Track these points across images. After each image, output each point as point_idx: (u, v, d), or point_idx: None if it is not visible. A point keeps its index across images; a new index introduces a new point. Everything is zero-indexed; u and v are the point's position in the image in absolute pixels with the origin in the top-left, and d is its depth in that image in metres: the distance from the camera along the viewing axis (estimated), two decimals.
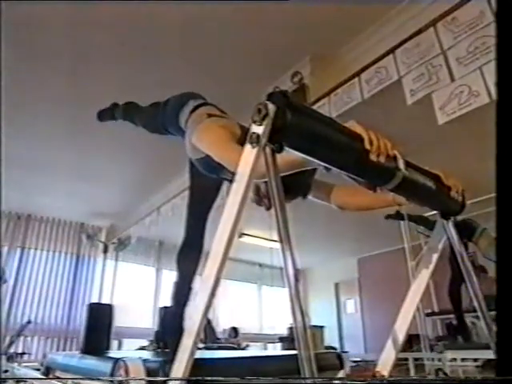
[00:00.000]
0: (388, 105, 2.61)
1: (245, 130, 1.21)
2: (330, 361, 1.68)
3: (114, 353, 1.70)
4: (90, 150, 4.06)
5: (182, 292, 1.64)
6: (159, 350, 1.58)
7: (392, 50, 2.37)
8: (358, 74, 2.52)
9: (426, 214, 3.75)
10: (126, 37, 2.66)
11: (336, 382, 1.25)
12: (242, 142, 1.18)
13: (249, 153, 0.63)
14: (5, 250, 5.41)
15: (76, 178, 4.69)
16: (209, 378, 0.98)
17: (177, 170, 3.79)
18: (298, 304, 0.60)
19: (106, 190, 5.07)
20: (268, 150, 0.63)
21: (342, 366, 1.71)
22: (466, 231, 3.34)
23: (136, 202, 5.28)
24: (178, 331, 1.52)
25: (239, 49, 2.69)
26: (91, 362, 1.39)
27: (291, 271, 0.60)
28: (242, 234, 5.56)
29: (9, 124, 2.77)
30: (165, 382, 1.03)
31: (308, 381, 0.56)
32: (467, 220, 3.37)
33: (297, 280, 0.61)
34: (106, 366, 1.17)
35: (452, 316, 4.16)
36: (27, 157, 4.07)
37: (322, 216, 4.96)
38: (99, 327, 1.79)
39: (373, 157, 0.74)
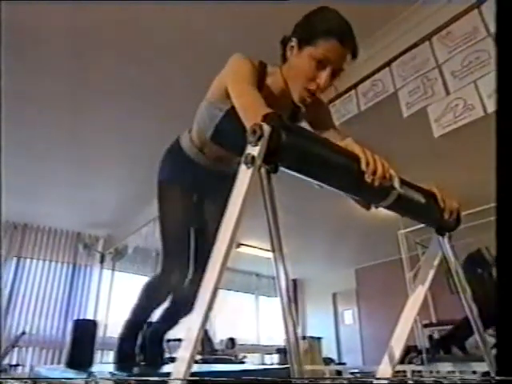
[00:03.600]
0: (384, 117, 2.63)
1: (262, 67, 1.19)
2: None
3: (95, 367, 1.79)
4: (88, 159, 4.07)
5: (135, 326, 1.62)
6: (141, 363, 1.61)
7: (388, 63, 2.41)
8: (354, 86, 2.55)
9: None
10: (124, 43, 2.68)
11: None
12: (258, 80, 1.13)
13: (244, 173, 0.64)
14: (1, 259, 5.37)
15: (74, 188, 4.70)
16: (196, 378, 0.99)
17: None
18: (290, 315, 0.59)
19: (103, 200, 5.07)
20: (263, 170, 0.63)
21: None
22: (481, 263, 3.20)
23: (133, 212, 5.27)
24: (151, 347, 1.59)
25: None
26: (69, 375, 1.51)
27: (283, 281, 0.60)
28: (239, 245, 5.55)
29: (8, 133, 2.78)
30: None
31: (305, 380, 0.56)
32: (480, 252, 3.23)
33: (289, 290, 0.60)
34: (80, 380, 1.28)
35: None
36: (25, 166, 4.07)
37: (321, 226, 4.98)
38: (83, 342, 1.87)
39: (368, 179, 0.75)
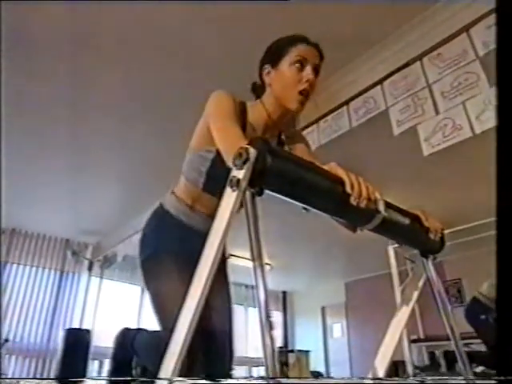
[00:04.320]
0: (375, 134, 2.66)
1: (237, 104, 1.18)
2: None
3: (88, 382, 1.64)
4: (80, 166, 4.05)
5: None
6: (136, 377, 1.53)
7: (380, 81, 2.44)
8: (346, 102, 2.59)
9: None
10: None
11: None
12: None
13: (229, 196, 0.64)
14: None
15: (64, 194, 4.66)
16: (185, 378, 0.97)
17: (165, 189, 3.78)
18: (268, 326, 0.58)
19: (93, 207, 5.03)
20: (248, 193, 0.64)
21: None
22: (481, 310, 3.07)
23: (123, 220, 5.24)
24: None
25: (229, 74, 2.74)
26: None
27: (262, 292, 0.60)
28: (229, 255, 5.53)
29: None
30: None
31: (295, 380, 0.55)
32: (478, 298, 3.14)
33: (267, 300, 0.60)
34: None
35: (442, 343, 4.14)
36: (15, 170, 4.03)
37: (311, 240, 4.98)
38: (76, 353, 1.71)
39: (353, 201, 0.76)
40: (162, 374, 0.67)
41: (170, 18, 2.39)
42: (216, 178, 1.17)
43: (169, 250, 1.24)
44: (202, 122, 1.20)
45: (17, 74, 2.76)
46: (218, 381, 0.93)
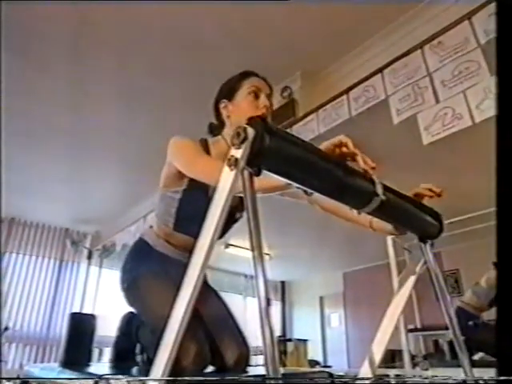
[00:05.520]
0: (375, 123, 2.65)
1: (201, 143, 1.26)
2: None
3: (95, 366, 1.62)
4: (80, 156, 4.04)
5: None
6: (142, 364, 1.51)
7: (380, 70, 2.42)
8: (346, 91, 2.57)
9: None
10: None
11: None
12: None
13: (227, 175, 0.64)
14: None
15: (63, 183, 4.66)
16: (187, 378, 0.97)
17: None
18: (267, 318, 0.57)
19: (92, 196, 5.04)
20: (246, 173, 0.64)
21: None
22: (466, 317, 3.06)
23: (123, 209, 5.25)
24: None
25: (230, 61, 2.72)
26: (71, 378, 1.28)
27: (261, 281, 0.59)
28: (228, 245, 5.55)
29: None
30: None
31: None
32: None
33: (267, 290, 0.59)
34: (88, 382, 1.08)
35: (438, 332, 4.16)
36: (15, 159, 4.02)
37: (308, 229, 4.99)
38: (81, 339, 1.68)
39: (361, 162, 0.79)
40: (153, 374, 0.66)
41: (172, 10, 2.37)
42: (187, 218, 1.26)
43: (150, 271, 1.28)
44: (167, 167, 1.25)
45: (16, 62, 2.74)
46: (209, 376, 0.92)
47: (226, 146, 1.24)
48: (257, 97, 1.24)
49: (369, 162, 0.81)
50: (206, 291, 1.37)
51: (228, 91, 1.29)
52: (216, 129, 1.34)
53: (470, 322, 2.97)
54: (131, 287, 1.31)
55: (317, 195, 0.81)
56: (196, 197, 1.20)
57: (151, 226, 1.41)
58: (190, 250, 1.16)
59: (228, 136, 1.26)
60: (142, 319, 1.30)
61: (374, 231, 1.13)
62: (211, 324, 1.25)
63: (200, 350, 1.08)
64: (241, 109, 1.24)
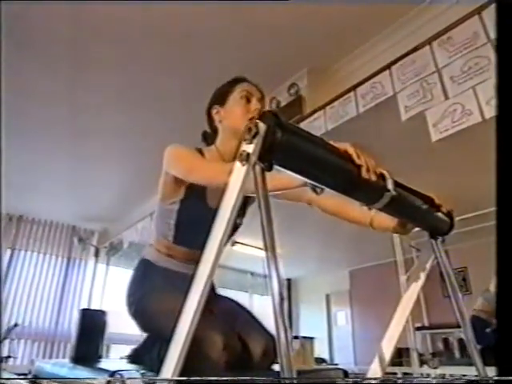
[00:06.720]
0: (382, 120, 2.63)
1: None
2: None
3: (107, 362, 1.62)
4: (86, 153, 4.06)
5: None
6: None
7: (388, 66, 2.40)
8: (354, 88, 2.55)
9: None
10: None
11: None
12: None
13: (239, 170, 0.64)
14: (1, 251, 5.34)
15: (70, 181, 4.68)
16: (198, 378, 0.97)
17: None
18: (282, 315, 0.57)
19: (99, 194, 5.06)
20: (258, 168, 0.63)
21: None
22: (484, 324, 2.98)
23: (130, 207, 5.27)
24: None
25: (237, 59, 2.72)
26: (83, 374, 1.28)
27: (275, 280, 0.58)
28: (234, 243, 5.55)
29: (4, 124, 2.76)
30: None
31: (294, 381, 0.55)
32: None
33: (281, 289, 0.59)
34: (100, 380, 1.09)
35: (446, 331, 4.13)
36: (22, 157, 4.06)
37: (315, 227, 4.98)
38: (91, 335, 1.70)
39: (365, 174, 0.75)
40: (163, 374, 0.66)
41: (172, 10, 2.37)
42: (186, 230, 1.24)
43: (155, 288, 1.25)
44: (163, 177, 1.25)
45: (16, 58, 2.75)
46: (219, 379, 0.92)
47: (219, 156, 1.26)
48: (248, 101, 1.26)
49: (372, 174, 0.79)
50: (215, 295, 1.42)
51: (220, 96, 1.31)
52: (209, 137, 1.35)
53: (488, 329, 2.87)
54: (138, 309, 1.26)
55: (315, 194, 0.80)
56: (194, 206, 1.21)
57: (151, 244, 1.39)
58: (192, 261, 1.18)
59: (221, 145, 1.28)
60: (159, 340, 1.19)
61: (375, 230, 1.12)
62: (232, 320, 1.26)
63: (227, 342, 1.07)
64: (233, 113, 1.26)
